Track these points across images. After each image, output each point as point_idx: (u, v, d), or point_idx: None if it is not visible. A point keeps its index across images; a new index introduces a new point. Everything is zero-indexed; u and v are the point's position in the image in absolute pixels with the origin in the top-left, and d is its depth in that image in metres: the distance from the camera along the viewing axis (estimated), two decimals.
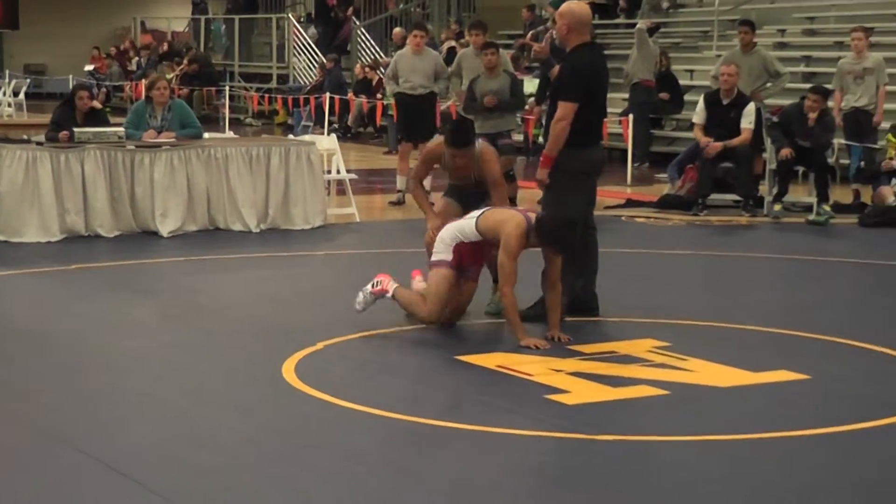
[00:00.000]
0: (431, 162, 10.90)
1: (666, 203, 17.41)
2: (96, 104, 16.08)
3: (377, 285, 9.82)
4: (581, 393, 8.19)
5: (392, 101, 18.92)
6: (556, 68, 12.42)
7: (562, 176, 10.36)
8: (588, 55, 10.55)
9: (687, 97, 23.86)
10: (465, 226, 9.75)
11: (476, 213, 9.85)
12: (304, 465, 6.90)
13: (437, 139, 10.95)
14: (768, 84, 18.80)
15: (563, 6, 10.69)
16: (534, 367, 8.76)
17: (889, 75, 18.88)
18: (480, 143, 10.59)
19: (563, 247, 9.68)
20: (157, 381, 8.57)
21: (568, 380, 8.48)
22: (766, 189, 17.25)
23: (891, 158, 16.96)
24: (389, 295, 9.80)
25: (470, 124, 10.94)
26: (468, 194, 10.60)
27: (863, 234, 15.75)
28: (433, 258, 9.85)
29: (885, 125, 19.28)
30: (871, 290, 12.46)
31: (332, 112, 28.76)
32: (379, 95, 27.21)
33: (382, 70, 27.00)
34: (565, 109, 10.28)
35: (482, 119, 16.40)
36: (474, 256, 9.88)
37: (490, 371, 8.75)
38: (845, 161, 18.69)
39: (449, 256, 9.67)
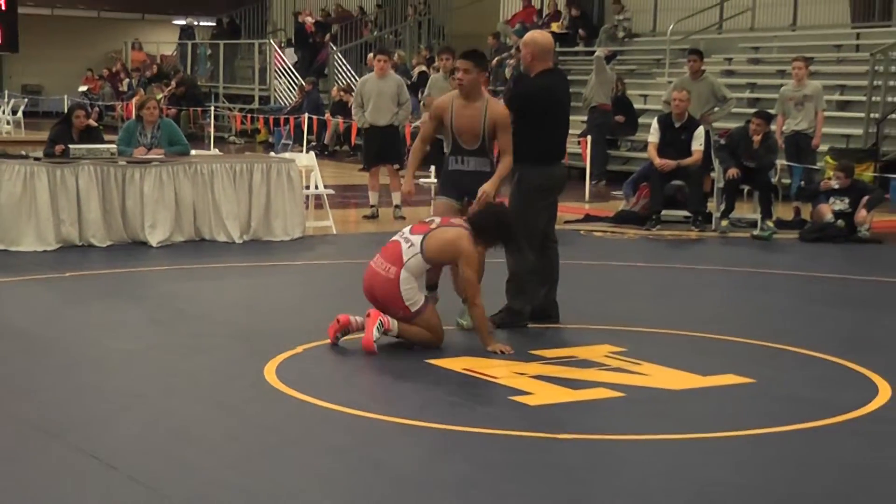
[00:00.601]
0: (438, 116, 10.23)
1: (621, 218, 17.44)
2: (92, 122, 16.04)
3: (381, 326, 9.31)
4: (543, 395, 8.17)
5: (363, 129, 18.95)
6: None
7: (525, 190, 10.37)
8: (548, 79, 10.56)
9: (641, 120, 23.95)
10: (414, 265, 9.34)
11: (414, 247, 9.32)
12: (284, 461, 6.87)
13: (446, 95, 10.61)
14: (716, 108, 18.86)
15: (527, 36, 10.75)
16: (499, 371, 8.75)
17: (825, 102, 18.98)
18: (488, 96, 10.38)
19: (506, 239, 9.63)
20: (145, 381, 8.53)
21: (531, 382, 8.47)
22: (714, 206, 17.32)
23: (829, 178, 17.03)
24: (394, 332, 9.42)
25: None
26: (468, 175, 10.10)
27: (803, 249, 15.81)
28: (416, 308, 9.35)
29: (824, 147, 19.42)
30: (811, 301, 12.49)
31: (310, 131, 28.79)
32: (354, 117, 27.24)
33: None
34: (512, 119, 10.43)
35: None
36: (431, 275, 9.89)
37: (458, 374, 8.73)
38: (787, 180, 18.77)
39: (423, 297, 9.51)
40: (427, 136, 10.57)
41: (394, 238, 9.51)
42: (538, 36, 10.78)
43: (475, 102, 9.96)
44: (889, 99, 21.59)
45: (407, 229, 9.51)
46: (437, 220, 9.56)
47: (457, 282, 9.82)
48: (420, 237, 9.35)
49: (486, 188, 9.86)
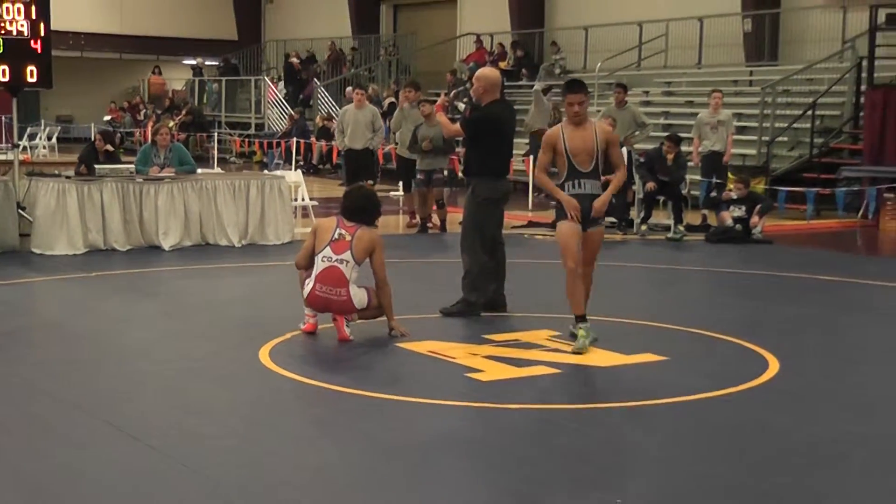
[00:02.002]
0: (551, 146, 9.27)
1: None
2: (109, 148, 15.96)
3: (347, 321, 9.22)
4: (493, 372, 8.16)
5: (342, 152, 18.90)
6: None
7: (477, 200, 10.38)
8: (496, 108, 10.56)
9: None
10: (355, 277, 9.19)
11: (350, 262, 9.14)
12: (276, 429, 6.85)
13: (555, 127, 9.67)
14: (637, 133, 18.89)
15: (479, 72, 10.79)
16: (457, 352, 8.73)
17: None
18: (593, 119, 9.74)
19: (369, 217, 9.46)
20: (159, 364, 8.48)
21: (483, 361, 8.46)
22: (635, 213, 17.35)
23: (729, 190, 17.08)
24: (355, 319, 9.34)
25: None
26: (587, 198, 9.18)
27: (708, 249, 15.86)
28: (363, 306, 9.24)
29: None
30: (714, 292, 12.54)
31: (298, 153, 28.75)
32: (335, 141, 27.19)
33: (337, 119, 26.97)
34: (458, 132, 10.78)
35: (422, 158, 16.50)
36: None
37: (423, 355, 8.71)
38: (696, 192, 18.85)
39: (364, 291, 9.27)
40: (544, 165, 9.43)
41: (327, 265, 9.14)
42: (488, 72, 10.81)
43: (585, 125, 9.28)
44: (777, 125, 21.71)
45: (328, 251, 9.18)
46: (340, 230, 9.26)
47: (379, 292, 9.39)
48: (349, 252, 9.17)
49: (597, 205, 9.21)
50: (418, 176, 16.86)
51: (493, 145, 10.42)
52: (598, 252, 9.43)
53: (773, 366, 8.48)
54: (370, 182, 17.59)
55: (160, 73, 41.79)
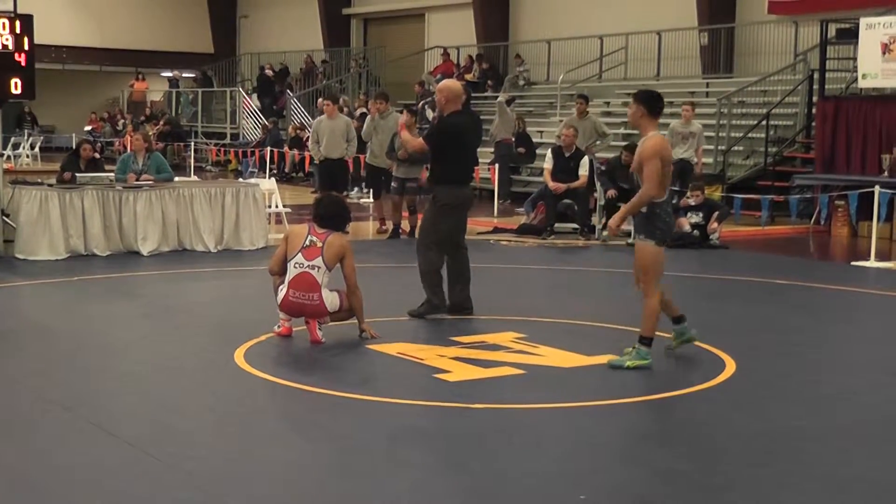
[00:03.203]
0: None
1: (523, 230, 17.47)
2: (96, 154, 15.92)
3: (319, 324, 9.20)
4: (460, 372, 8.16)
5: (317, 162, 18.81)
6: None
7: (438, 205, 10.40)
8: (458, 118, 10.59)
9: (538, 151, 23.98)
10: (326, 281, 9.15)
11: (322, 268, 9.10)
12: (249, 426, 6.85)
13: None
14: (598, 142, 18.95)
15: (441, 84, 10.79)
16: (425, 354, 8.73)
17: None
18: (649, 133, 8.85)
19: (339, 223, 9.44)
20: (138, 363, 8.46)
21: (450, 363, 8.45)
22: (596, 220, 17.38)
23: (687, 197, 17.12)
24: (327, 321, 9.32)
25: None
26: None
27: (667, 253, 15.81)
28: (335, 309, 9.22)
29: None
30: (672, 295, 12.51)
31: (272, 161, 28.64)
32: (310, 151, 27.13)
33: (310, 130, 26.90)
34: (422, 146, 10.68)
35: (398, 166, 16.48)
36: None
37: (392, 356, 8.70)
38: None
39: (336, 295, 9.24)
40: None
41: (300, 272, 9.10)
42: (451, 84, 10.82)
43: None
44: (732, 134, 21.79)
45: (300, 257, 9.13)
46: (312, 237, 9.21)
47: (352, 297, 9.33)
48: (320, 258, 9.13)
49: (612, 223, 9.03)
50: (393, 183, 16.82)
51: (455, 154, 10.43)
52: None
53: (730, 366, 8.51)
54: (344, 193, 17.58)
55: (143, 79, 41.59)
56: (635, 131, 22.93)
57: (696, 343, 9.04)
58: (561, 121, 21.53)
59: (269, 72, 37.35)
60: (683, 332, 8.99)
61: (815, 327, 10.68)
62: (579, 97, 19.74)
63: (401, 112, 17.03)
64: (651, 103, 8.71)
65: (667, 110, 21.18)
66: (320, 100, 20.33)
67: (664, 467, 6.15)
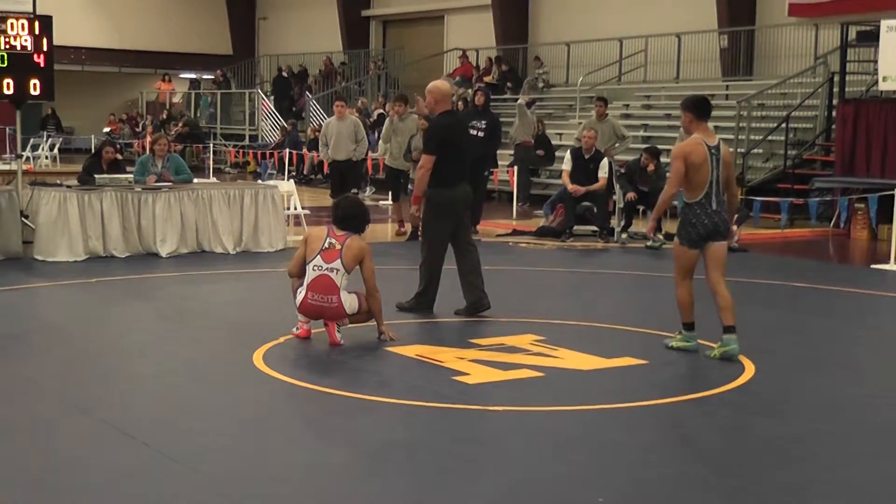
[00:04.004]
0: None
1: (542, 232, 17.46)
2: (118, 156, 15.98)
3: (338, 326, 9.21)
4: (479, 375, 8.17)
5: (325, 163, 18.79)
6: None
7: (431, 208, 10.45)
8: (447, 119, 10.64)
9: (557, 153, 23.97)
10: (345, 284, 9.14)
11: (341, 271, 9.09)
12: (268, 428, 6.87)
13: None
14: (617, 144, 18.94)
15: (430, 85, 10.79)
16: (444, 356, 8.74)
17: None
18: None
19: (358, 224, 9.45)
20: (156, 365, 8.49)
21: (469, 365, 8.46)
22: (615, 222, 17.37)
23: None
24: (346, 324, 9.32)
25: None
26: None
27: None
28: (354, 311, 9.20)
29: None
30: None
31: (290, 163, 28.70)
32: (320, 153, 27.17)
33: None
34: (425, 160, 10.50)
35: (413, 167, 16.47)
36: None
37: (411, 358, 8.72)
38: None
39: (355, 297, 9.23)
40: None
41: (318, 274, 9.09)
42: (440, 84, 10.82)
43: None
44: (752, 137, 21.75)
45: (319, 260, 9.13)
46: (331, 239, 9.21)
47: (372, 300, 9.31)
48: (339, 260, 9.13)
49: (648, 227, 9.74)
50: (410, 185, 16.84)
51: (444, 155, 10.47)
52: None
53: (749, 369, 8.50)
54: (354, 190, 17.58)
55: (170, 80, 41.64)
56: (656, 134, 23.06)
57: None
58: (580, 123, 21.55)
59: (285, 73, 37.47)
60: (689, 339, 9.21)
61: (835, 330, 10.66)
62: (598, 99, 19.73)
63: (419, 118, 17.02)
64: (698, 108, 9.02)
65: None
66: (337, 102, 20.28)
67: (683, 470, 6.16)
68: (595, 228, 17.26)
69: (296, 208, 16.92)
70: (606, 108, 19.51)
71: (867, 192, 17.68)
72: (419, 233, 16.84)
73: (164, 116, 39.13)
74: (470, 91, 24.47)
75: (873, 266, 14.97)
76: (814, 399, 7.82)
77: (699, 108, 9.01)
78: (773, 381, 8.21)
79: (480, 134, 17.88)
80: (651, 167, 16.91)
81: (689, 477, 6.04)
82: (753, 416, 7.30)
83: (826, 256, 16.88)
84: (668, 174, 16.80)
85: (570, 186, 16.98)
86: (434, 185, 10.48)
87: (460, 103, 23.67)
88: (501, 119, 27.99)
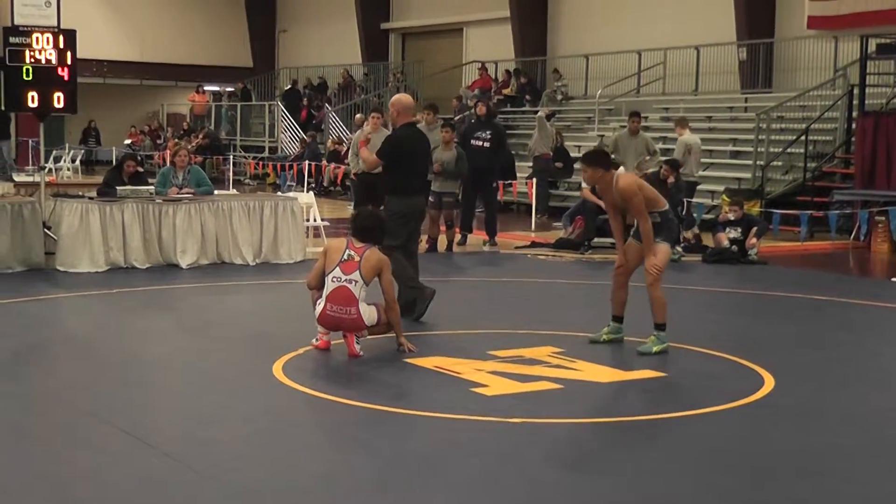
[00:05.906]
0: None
1: (560, 244, 17.43)
2: (140, 169, 16.02)
3: (357, 338, 9.21)
4: (497, 386, 8.15)
5: (353, 174, 18.71)
6: None
7: (391, 216, 10.55)
8: (407, 131, 10.92)
9: (576, 166, 23.94)
10: (363, 295, 9.13)
11: (359, 282, 9.11)
12: (286, 438, 6.86)
13: None
14: (647, 158, 18.95)
15: (394, 98, 11.12)
16: (462, 368, 8.72)
17: (724, 152, 19.06)
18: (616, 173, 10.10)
19: (377, 236, 9.46)
20: (176, 375, 8.51)
21: (488, 377, 8.44)
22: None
23: (726, 213, 17.07)
24: (366, 335, 9.33)
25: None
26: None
27: (705, 269, 15.82)
28: (373, 322, 9.22)
29: (720, 188, 19.57)
30: (709, 309, 12.52)
31: (310, 175, 28.76)
32: (346, 162, 27.14)
33: (347, 143, 26.93)
34: (373, 162, 10.98)
35: (434, 179, 16.37)
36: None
37: (429, 370, 8.71)
38: (694, 214, 18.83)
39: (373, 308, 9.24)
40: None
41: (337, 286, 9.09)
42: (402, 97, 11.09)
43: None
44: (771, 149, 21.70)
45: (338, 271, 9.13)
46: (350, 251, 9.20)
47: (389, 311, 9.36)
48: (357, 272, 9.13)
49: (647, 264, 10.00)
50: (430, 198, 16.78)
51: (403, 165, 10.70)
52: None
53: (769, 382, 8.47)
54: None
55: (203, 92, 41.71)
56: (674, 146, 23.03)
57: (734, 358, 9.01)
58: (600, 135, 21.53)
59: (299, 86, 37.67)
60: (618, 331, 9.91)
61: (855, 343, 10.61)
62: (633, 114, 19.65)
63: (441, 129, 16.92)
64: (604, 161, 9.86)
65: (703, 125, 21.28)
66: (358, 115, 20.25)
67: (704, 483, 6.13)
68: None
69: (315, 220, 16.94)
70: (640, 122, 19.49)
71: (887, 205, 17.62)
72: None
73: (185, 128, 39.26)
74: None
75: (894, 279, 14.91)
76: (835, 412, 7.78)
77: (604, 160, 9.87)
78: (793, 395, 8.17)
79: (486, 145, 17.86)
80: (671, 179, 16.87)
81: (712, 489, 6.01)
82: (775, 428, 7.26)
83: (846, 269, 16.82)
84: (674, 191, 16.90)
85: (590, 198, 16.93)
86: (390, 192, 10.75)
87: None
88: (520, 132, 28.11)
